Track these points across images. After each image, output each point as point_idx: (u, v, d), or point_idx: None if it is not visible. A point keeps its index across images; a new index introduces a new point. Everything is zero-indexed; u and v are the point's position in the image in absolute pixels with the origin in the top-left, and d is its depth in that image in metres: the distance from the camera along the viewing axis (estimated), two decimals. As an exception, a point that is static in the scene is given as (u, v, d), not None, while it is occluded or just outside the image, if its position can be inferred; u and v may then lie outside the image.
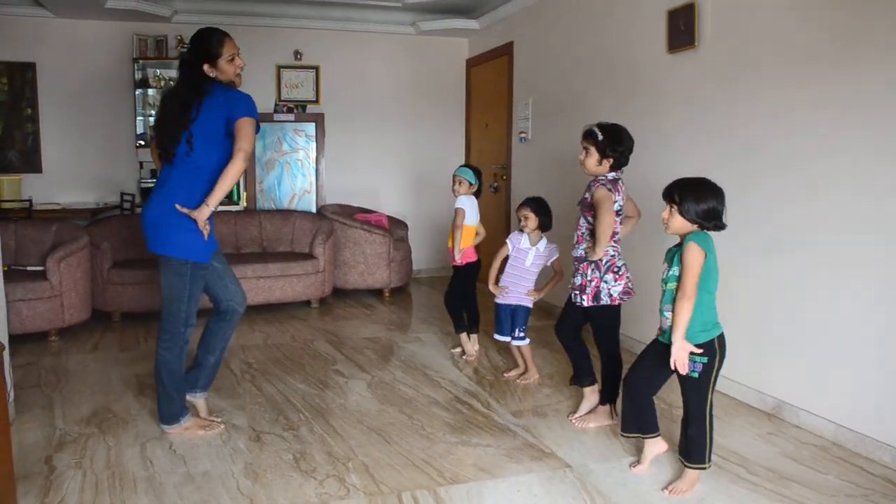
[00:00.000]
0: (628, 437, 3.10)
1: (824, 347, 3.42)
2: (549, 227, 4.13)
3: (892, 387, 3.10)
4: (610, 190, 3.29)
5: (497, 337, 4.30)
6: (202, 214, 3.09)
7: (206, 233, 3.15)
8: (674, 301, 2.71)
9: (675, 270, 2.75)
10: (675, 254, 2.79)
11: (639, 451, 3.18)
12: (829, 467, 3.10)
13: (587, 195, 3.39)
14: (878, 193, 3.14)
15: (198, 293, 3.28)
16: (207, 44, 3.17)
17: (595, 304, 3.39)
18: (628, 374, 3.00)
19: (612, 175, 3.36)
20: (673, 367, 2.72)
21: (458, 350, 4.80)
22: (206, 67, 3.16)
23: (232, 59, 3.21)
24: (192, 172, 3.15)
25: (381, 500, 2.76)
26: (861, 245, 3.23)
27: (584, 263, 3.40)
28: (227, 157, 3.10)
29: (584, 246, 3.40)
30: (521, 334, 4.18)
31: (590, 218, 3.39)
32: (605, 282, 3.38)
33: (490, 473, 3.00)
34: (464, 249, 4.60)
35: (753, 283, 3.81)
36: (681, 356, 2.68)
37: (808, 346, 3.52)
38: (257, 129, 3.16)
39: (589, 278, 3.39)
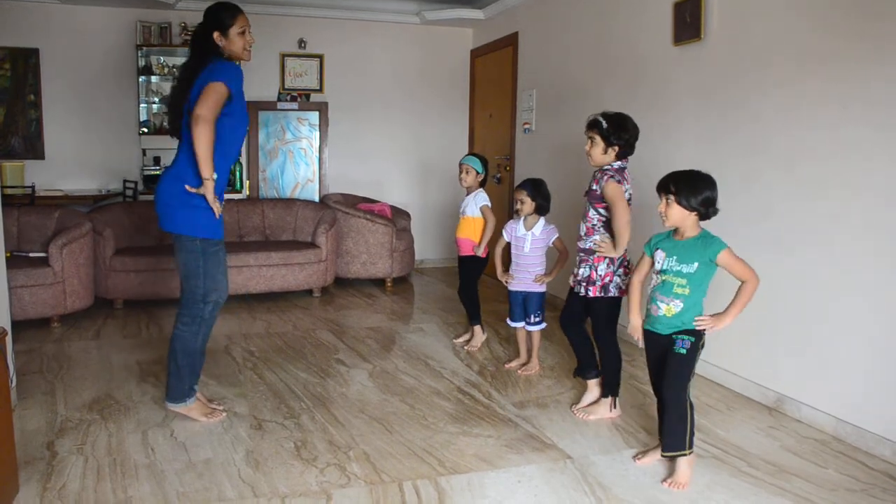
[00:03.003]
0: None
1: (826, 342, 3.42)
2: (547, 210, 4.12)
3: (893, 382, 3.10)
4: (619, 182, 3.28)
5: (509, 322, 4.32)
6: (206, 189, 3.10)
7: (216, 208, 3.15)
8: (675, 295, 2.80)
9: (687, 267, 2.77)
10: (681, 250, 2.79)
11: (642, 444, 3.19)
12: (829, 461, 3.10)
13: (596, 187, 3.36)
14: (882, 190, 3.12)
15: (213, 269, 3.27)
16: (220, 13, 3.20)
17: (602, 294, 3.39)
18: (655, 384, 3.03)
19: (617, 164, 3.34)
20: (701, 327, 2.80)
21: (462, 340, 4.80)
22: (215, 35, 3.16)
23: (243, 33, 3.24)
24: (185, 145, 3.17)
25: (382, 489, 2.77)
26: (864, 241, 3.22)
27: (596, 257, 3.38)
28: (219, 131, 3.10)
29: (597, 237, 3.37)
30: (536, 319, 4.18)
31: (601, 210, 3.37)
32: (618, 275, 3.39)
33: (491, 464, 3.01)
34: (464, 239, 4.60)
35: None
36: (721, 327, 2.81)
37: (809, 340, 3.51)
38: (231, 98, 3.09)
39: (602, 273, 3.38)
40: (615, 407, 3.55)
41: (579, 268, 3.45)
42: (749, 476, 2.94)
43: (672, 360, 2.82)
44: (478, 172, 4.54)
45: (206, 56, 3.18)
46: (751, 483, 2.88)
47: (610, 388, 3.54)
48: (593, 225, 3.40)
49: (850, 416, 3.29)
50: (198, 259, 3.22)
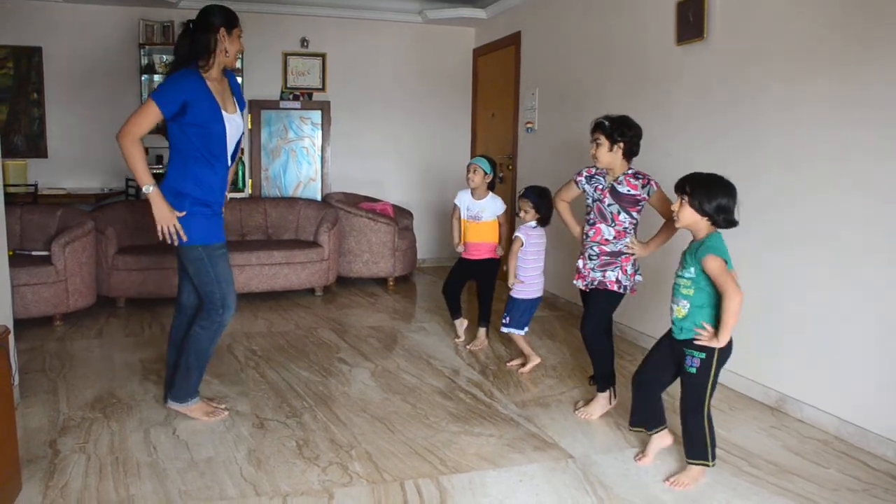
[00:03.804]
0: (634, 430, 3.12)
1: (828, 342, 3.42)
2: (548, 221, 4.12)
3: (895, 382, 3.10)
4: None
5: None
6: (150, 200, 3.07)
7: (164, 226, 3.08)
8: (682, 296, 2.77)
9: (688, 272, 2.75)
10: (687, 252, 2.78)
11: (643, 443, 3.19)
12: (831, 461, 3.10)
13: (635, 192, 3.35)
14: (882, 189, 3.12)
15: (225, 273, 3.25)
16: (227, 11, 3.17)
17: (621, 290, 3.45)
18: (639, 371, 3.02)
19: (634, 168, 3.40)
20: (698, 341, 2.71)
21: (462, 340, 4.80)
22: (221, 31, 3.12)
23: (240, 37, 3.23)
24: (171, 152, 3.21)
25: (384, 488, 2.77)
26: (865, 240, 3.22)
27: (624, 257, 3.43)
28: (182, 137, 3.12)
29: (627, 240, 3.41)
30: (504, 321, 4.20)
31: (634, 213, 3.40)
32: (639, 275, 3.50)
33: (492, 463, 3.01)
34: (482, 243, 4.61)
35: (757, 278, 3.80)
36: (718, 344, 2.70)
37: (811, 340, 3.51)
38: (184, 111, 3.04)
39: (630, 272, 3.45)
40: (614, 398, 3.58)
41: (606, 270, 3.45)
42: (751, 476, 2.94)
43: (684, 377, 2.81)
44: (486, 173, 4.56)
45: (179, 64, 3.14)
46: (752, 483, 2.88)
47: (607, 383, 3.55)
48: (625, 228, 3.42)
49: (853, 416, 3.29)
50: (206, 266, 3.20)
